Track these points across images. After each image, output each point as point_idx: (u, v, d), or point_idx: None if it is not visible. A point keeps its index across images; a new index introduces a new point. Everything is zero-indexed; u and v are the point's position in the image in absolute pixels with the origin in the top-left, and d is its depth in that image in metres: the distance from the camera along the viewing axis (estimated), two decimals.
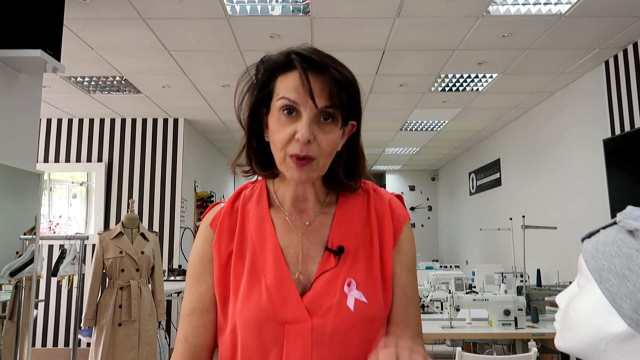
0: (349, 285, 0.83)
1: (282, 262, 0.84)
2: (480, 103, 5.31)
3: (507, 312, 3.06)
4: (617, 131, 3.90)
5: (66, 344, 5.52)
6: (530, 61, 4.12)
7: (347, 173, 0.89)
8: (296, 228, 0.88)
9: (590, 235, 0.69)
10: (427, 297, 3.83)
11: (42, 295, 5.52)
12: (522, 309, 3.08)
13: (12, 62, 2.55)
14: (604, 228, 0.68)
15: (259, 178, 0.94)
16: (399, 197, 0.96)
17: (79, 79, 4.54)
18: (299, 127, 0.79)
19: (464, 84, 4.73)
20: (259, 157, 0.88)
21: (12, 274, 2.64)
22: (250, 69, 0.87)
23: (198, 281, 0.88)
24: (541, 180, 5.34)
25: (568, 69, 4.32)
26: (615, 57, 3.97)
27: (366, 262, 0.86)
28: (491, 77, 4.52)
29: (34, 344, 5.47)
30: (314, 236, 0.87)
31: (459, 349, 2.58)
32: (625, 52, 3.85)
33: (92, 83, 4.66)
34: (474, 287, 4.62)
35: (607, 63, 4.09)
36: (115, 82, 4.65)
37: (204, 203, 6.47)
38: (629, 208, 0.67)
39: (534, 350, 2.60)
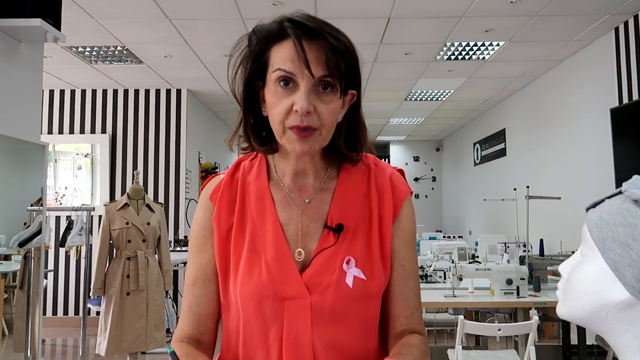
0: (347, 262, 0.83)
1: (281, 238, 0.84)
2: (487, 72, 5.24)
3: (509, 282, 3.09)
4: (625, 100, 3.84)
5: (76, 312, 5.65)
6: (538, 28, 4.04)
7: (348, 144, 0.87)
8: (296, 205, 0.87)
9: (595, 205, 0.69)
10: (430, 266, 3.88)
11: (51, 266, 5.61)
12: (524, 278, 3.11)
13: (12, 32, 2.52)
14: (609, 197, 0.68)
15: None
16: (401, 172, 0.94)
17: (80, 49, 4.49)
18: (297, 99, 0.76)
19: (470, 53, 4.65)
20: (257, 132, 0.86)
21: (21, 244, 2.68)
22: (242, 39, 0.83)
23: (200, 252, 0.89)
24: (546, 150, 5.31)
25: (577, 36, 4.23)
26: (626, 24, 3.88)
27: (365, 239, 0.86)
28: (498, 45, 4.44)
29: (44, 313, 5.60)
30: (314, 213, 0.87)
31: (461, 317, 2.62)
32: (636, 18, 3.76)
33: (94, 53, 4.62)
34: (477, 257, 4.66)
35: (616, 30, 4.00)
36: (116, 52, 4.60)
37: (208, 174, 6.49)
38: (635, 177, 0.66)
39: (535, 318, 2.64)
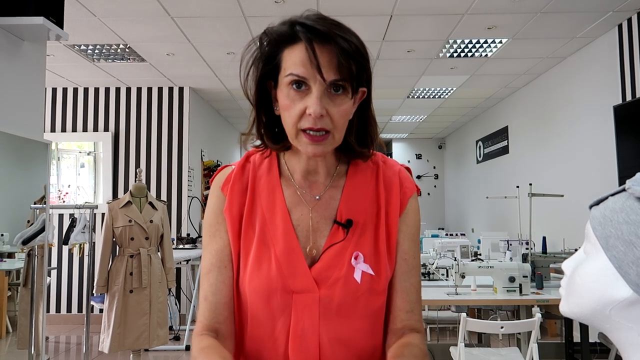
0: (356, 258, 0.84)
1: (292, 233, 0.85)
2: (489, 69, 5.22)
3: (511, 279, 3.09)
4: (628, 97, 3.83)
5: (79, 310, 5.67)
6: (541, 25, 4.02)
7: (359, 140, 0.88)
8: (306, 201, 0.88)
9: (598, 202, 0.69)
10: (432, 264, 3.87)
11: (54, 263, 5.63)
12: (526, 276, 3.10)
13: (15, 30, 2.53)
14: (612, 195, 0.68)
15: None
16: (408, 170, 0.96)
17: (82, 47, 4.50)
18: (310, 103, 0.77)
19: (473, 50, 4.64)
20: (270, 131, 0.87)
21: (25, 242, 2.69)
22: (254, 41, 0.85)
23: (214, 238, 0.88)
24: (549, 147, 5.30)
25: (580, 33, 4.21)
26: (629, 21, 3.86)
27: (374, 234, 0.87)
28: (500, 42, 4.42)
29: (48, 310, 5.62)
30: (324, 210, 0.88)
31: (463, 314, 2.62)
32: (639, 15, 3.74)
33: (96, 51, 4.62)
34: (480, 254, 4.66)
35: (620, 27, 3.98)
36: (119, 50, 4.60)
37: (210, 172, 6.50)
38: (639, 175, 0.66)
39: (537, 315, 2.64)
